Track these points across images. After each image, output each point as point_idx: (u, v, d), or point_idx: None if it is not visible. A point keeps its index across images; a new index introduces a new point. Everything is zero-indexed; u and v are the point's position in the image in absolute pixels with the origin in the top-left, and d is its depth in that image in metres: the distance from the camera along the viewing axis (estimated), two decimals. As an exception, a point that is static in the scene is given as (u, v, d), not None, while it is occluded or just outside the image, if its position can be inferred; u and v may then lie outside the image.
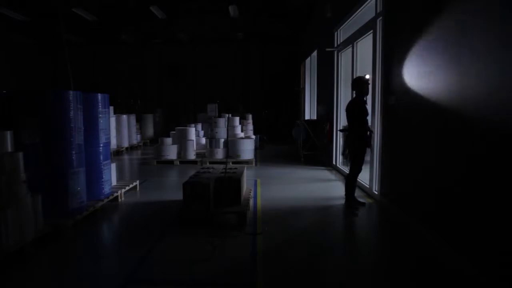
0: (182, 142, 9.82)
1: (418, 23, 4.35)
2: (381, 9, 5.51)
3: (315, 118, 11.33)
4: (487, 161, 3.05)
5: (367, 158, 6.45)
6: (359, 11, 6.64)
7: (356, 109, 5.25)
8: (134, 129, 13.13)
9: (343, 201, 5.48)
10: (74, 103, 4.61)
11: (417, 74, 4.37)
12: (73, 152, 4.60)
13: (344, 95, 8.18)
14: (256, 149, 10.25)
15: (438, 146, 3.87)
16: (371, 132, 5.43)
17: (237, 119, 10.93)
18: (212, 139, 9.86)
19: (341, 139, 8.12)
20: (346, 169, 7.68)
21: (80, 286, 3.25)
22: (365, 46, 6.63)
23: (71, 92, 4.59)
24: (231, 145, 9.38)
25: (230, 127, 10.13)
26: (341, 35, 8.17)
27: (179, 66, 17.22)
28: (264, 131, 14.56)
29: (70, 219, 4.44)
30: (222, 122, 10.06)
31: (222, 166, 5.81)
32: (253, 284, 3.19)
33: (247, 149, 9.53)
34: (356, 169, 5.35)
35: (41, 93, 4.50)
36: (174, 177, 8.14)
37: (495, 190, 2.97)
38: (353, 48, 7.07)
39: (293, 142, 12.32)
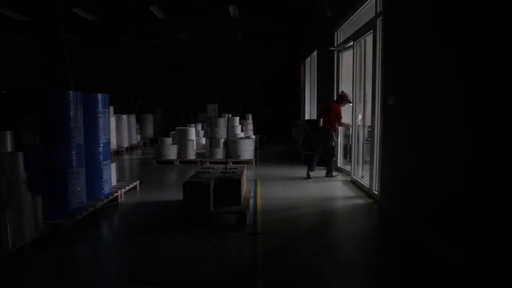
0: (182, 142, 9.82)
1: (417, 22, 4.35)
2: (381, 9, 5.51)
3: (315, 118, 11.32)
4: (488, 161, 3.06)
5: (367, 157, 6.46)
6: (359, 11, 6.64)
7: None
8: (134, 129, 13.12)
9: (343, 201, 5.46)
10: (74, 103, 4.60)
11: (416, 74, 4.37)
12: (73, 152, 4.59)
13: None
14: (256, 149, 10.24)
15: (438, 145, 3.87)
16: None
17: (237, 119, 10.92)
18: (212, 139, 9.86)
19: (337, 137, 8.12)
20: (346, 169, 7.69)
21: (80, 286, 3.26)
22: (365, 46, 6.62)
23: (71, 92, 4.59)
24: (231, 145, 9.37)
25: (230, 127, 10.12)
26: (341, 35, 8.16)
27: (179, 66, 17.21)
28: (264, 131, 14.56)
29: (70, 219, 4.44)
30: (222, 122, 10.06)
31: (222, 166, 5.80)
32: (253, 284, 3.18)
33: (247, 149, 9.52)
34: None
35: (41, 93, 4.50)
36: (174, 177, 8.14)
37: (499, 190, 2.97)
38: (353, 48, 7.06)
39: (293, 142, 12.32)
